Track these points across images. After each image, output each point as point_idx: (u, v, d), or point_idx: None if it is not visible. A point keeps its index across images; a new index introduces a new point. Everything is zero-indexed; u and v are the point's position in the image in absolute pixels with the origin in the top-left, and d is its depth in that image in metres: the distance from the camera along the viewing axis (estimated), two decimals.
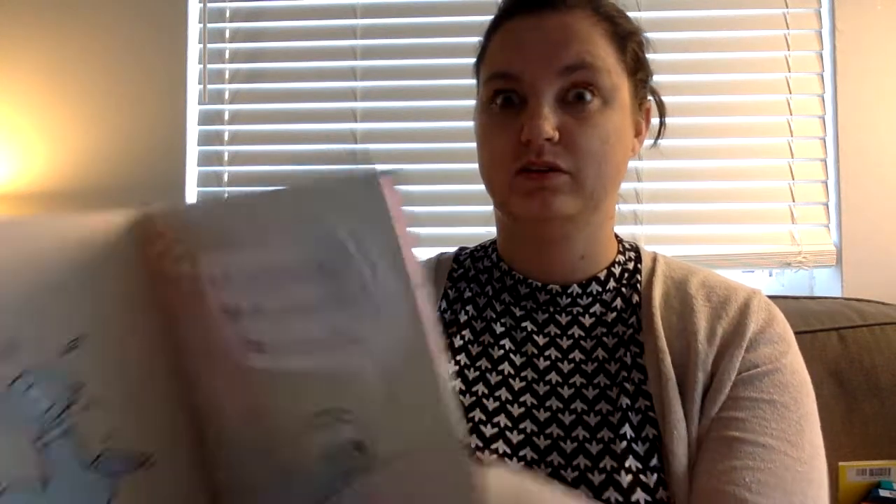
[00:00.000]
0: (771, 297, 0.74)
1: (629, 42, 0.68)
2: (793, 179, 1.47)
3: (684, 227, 1.49)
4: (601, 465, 0.61)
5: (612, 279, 0.71)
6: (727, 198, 1.47)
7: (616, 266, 0.72)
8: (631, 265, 0.72)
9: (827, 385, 1.04)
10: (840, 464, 1.01)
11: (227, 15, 1.59)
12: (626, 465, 0.60)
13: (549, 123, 0.63)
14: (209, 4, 1.58)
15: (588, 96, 0.64)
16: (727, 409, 0.62)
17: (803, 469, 0.58)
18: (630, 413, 0.63)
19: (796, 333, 0.70)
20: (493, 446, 0.63)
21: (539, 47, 0.65)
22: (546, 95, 0.64)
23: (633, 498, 0.59)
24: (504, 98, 0.66)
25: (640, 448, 0.61)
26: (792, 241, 1.46)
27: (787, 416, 0.61)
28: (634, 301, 0.69)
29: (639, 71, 0.70)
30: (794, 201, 1.47)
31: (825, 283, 1.49)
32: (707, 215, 1.48)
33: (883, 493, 0.99)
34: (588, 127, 0.64)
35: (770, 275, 1.53)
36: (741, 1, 1.49)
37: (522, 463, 0.63)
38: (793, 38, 1.48)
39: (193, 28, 1.58)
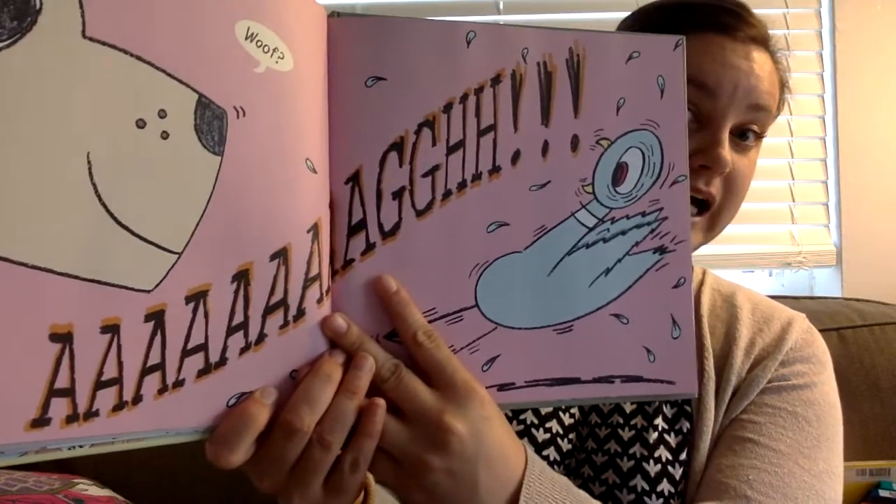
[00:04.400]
0: (771, 297, 0.75)
1: (784, 92, 0.71)
2: (793, 179, 1.46)
3: None
4: (631, 451, 0.62)
5: None
6: None
7: None
8: None
9: None
10: None
11: None
12: (656, 454, 0.62)
13: (730, 155, 0.63)
14: None
15: (752, 138, 0.66)
16: (748, 412, 0.63)
17: (811, 481, 0.59)
18: (665, 406, 0.64)
19: None
20: (547, 423, 0.64)
21: (745, 76, 0.64)
22: (729, 124, 0.64)
23: (659, 488, 0.61)
24: None
25: (671, 439, 0.63)
26: (792, 241, 1.45)
27: (806, 430, 0.62)
28: None
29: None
30: (794, 201, 1.46)
31: (825, 283, 1.49)
32: None
33: (883, 493, 0.98)
34: (746, 167, 0.66)
35: (770, 275, 1.53)
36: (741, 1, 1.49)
37: (571, 447, 0.64)
38: (793, 38, 1.48)
39: None
